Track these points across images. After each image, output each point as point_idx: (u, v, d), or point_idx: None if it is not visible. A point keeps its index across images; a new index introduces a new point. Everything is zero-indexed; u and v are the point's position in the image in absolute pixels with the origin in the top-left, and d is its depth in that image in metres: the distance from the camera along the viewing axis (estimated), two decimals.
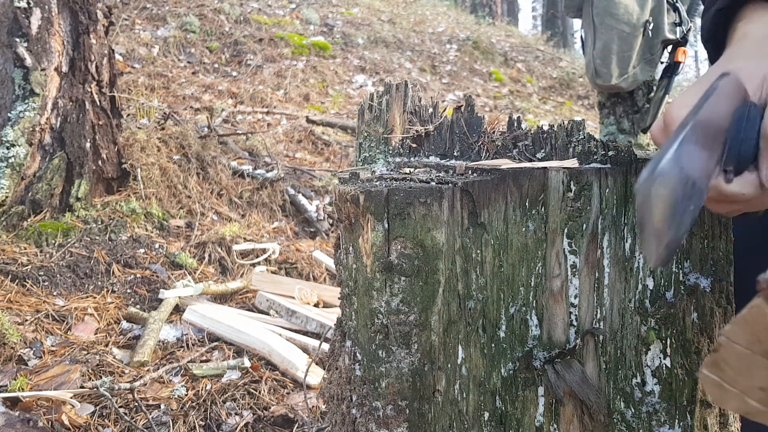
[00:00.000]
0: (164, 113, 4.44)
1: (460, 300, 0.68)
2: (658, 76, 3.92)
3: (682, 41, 3.75)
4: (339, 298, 0.77)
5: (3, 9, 3.02)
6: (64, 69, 3.19)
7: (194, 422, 1.92)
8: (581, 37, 3.98)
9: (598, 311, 0.72)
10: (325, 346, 2.15)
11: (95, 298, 2.65)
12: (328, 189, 4.30)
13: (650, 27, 3.59)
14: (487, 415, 0.70)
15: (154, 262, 3.01)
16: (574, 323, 0.71)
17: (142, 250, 3.06)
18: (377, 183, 0.72)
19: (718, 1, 0.76)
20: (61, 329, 2.40)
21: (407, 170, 0.78)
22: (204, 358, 2.32)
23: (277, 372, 2.26)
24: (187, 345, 2.41)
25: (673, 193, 0.48)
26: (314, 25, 8.78)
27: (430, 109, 0.93)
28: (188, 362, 2.24)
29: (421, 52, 9.09)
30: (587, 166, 0.72)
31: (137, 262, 2.96)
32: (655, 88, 3.98)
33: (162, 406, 1.99)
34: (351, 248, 0.71)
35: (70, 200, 3.14)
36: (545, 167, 0.70)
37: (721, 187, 0.57)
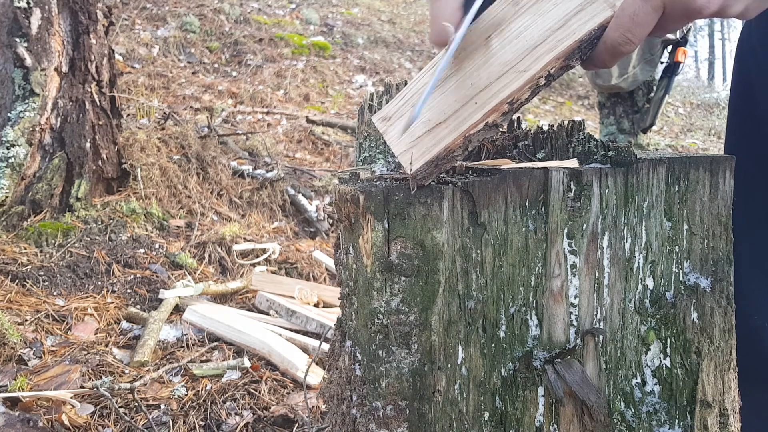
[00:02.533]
0: (164, 113, 4.44)
1: (460, 300, 0.68)
2: (658, 76, 3.92)
3: (682, 41, 3.75)
4: (339, 298, 0.77)
5: (3, 9, 3.01)
6: (64, 69, 3.19)
7: (194, 422, 1.92)
8: None
9: (598, 311, 0.72)
10: (325, 346, 2.15)
11: (95, 298, 2.65)
12: (328, 189, 4.30)
13: None
14: (487, 415, 0.70)
15: (154, 262, 3.01)
16: (574, 323, 0.71)
17: (142, 250, 3.06)
18: (377, 183, 0.71)
19: None
20: (61, 329, 2.40)
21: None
22: (204, 358, 2.32)
23: (277, 372, 2.26)
24: (187, 345, 2.41)
25: None
26: (314, 25, 8.78)
27: None
28: (188, 362, 2.24)
29: (421, 52, 9.09)
30: (587, 166, 0.72)
31: (137, 262, 2.96)
32: (655, 88, 3.98)
33: (162, 406, 1.99)
34: (351, 248, 0.71)
35: (70, 200, 3.14)
36: (545, 167, 0.70)
37: None
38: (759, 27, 1.00)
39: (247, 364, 2.24)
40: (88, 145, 3.26)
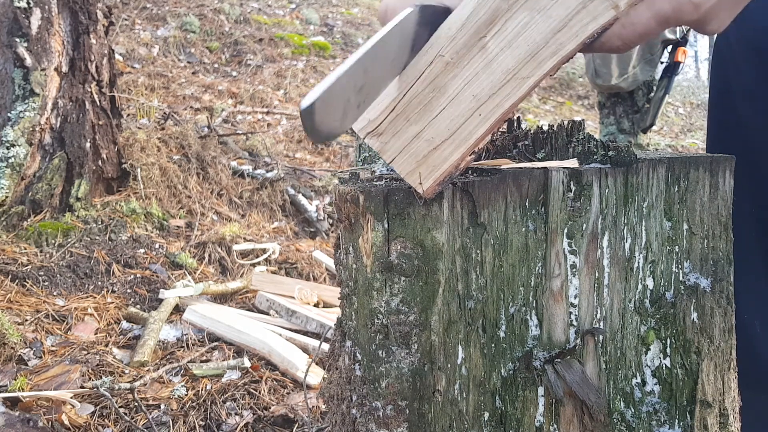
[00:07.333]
0: (164, 113, 4.44)
1: (460, 300, 0.68)
2: (658, 76, 3.92)
3: (682, 41, 3.75)
4: (339, 298, 0.77)
5: (3, 9, 3.01)
6: (64, 69, 3.19)
7: (194, 422, 1.92)
8: None
9: (598, 311, 0.72)
10: (325, 346, 2.15)
11: (95, 298, 2.65)
12: (328, 189, 4.30)
13: None
14: (487, 415, 0.70)
15: (154, 262, 3.01)
16: (574, 323, 0.71)
17: (142, 250, 3.06)
18: (377, 183, 0.71)
19: None
20: (61, 329, 2.40)
21: None
22: (204, 358, 2.32)
23: (277, 372, 2.26)
24: (187, 345, 2.41)
25: None
26: (314, 25, 8.78)
27: None
28: (188, 362, 2.24)
29: None
30: (587, 166, 0.72)
31: (137, 262, 2.96)
32: (655, 88, 3.98)
33: (162, 406, 1.99)
34: (351, 248, 0.71)
35: (70, 200, 3.14)
36: (545, 167, 0.70)
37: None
38: (736, 29, 1.00)
39: (247, 364, 2.24)
40: (88, 145, 3.26)
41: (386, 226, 0.66)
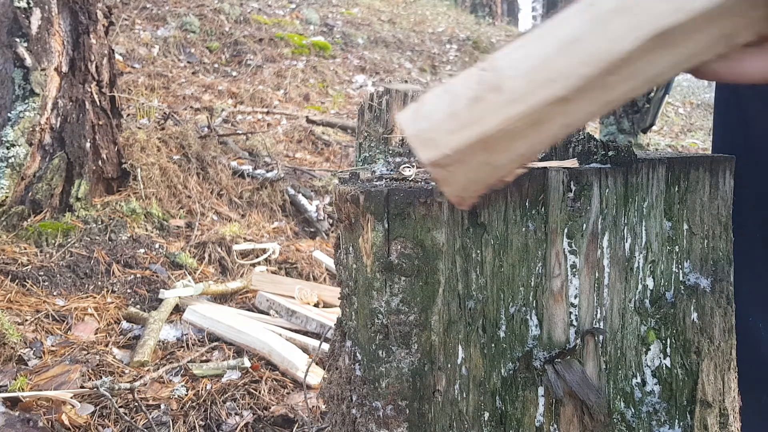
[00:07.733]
0: (164, 113, 4.44)
1: (460, 300, 0.68)
2: None
3: None
4: (339, 298, 0.77)
5: (3, 9, 3.02)
6: (64, 69, 3.19)
7: (194, 422, 1.92)
8: None
9: (598, 311, 0.72)
10: (325, 346, 2.15)
11: (95, 298, 2.65)
12: (328, 189, 4.30)
13: None
14: (487, 415, 0.70)
15: (154, 262, 3.01)
16: (574, 323, 0.71)
17: (142, 250, 3.06)
18: (377, 183, 0.72)
19: None
20: (61, 329, 2.40)
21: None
22: (204, 358, 2.32)
23: (277, 372, 2.26)
24: (187, 345, 2.41)
25: None
26: (314, 25, 8.78)
27: None
28: (188, 362, 2.24)
29: (421, 52, 9.09)
30: (587, 166, 0.72)
31: (137, 262, 2.96)
32: (655, 87, 3.98)
33: (162, 406, 1.99)
34: (351, 248, 0.71)
35: (70, 200, 3.14)
36: (545, 167, 0.70)
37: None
38: None
39: (247, 364, 2.24)
40: (88, 145, 3.26)
41: (386, 226, 0.66)
